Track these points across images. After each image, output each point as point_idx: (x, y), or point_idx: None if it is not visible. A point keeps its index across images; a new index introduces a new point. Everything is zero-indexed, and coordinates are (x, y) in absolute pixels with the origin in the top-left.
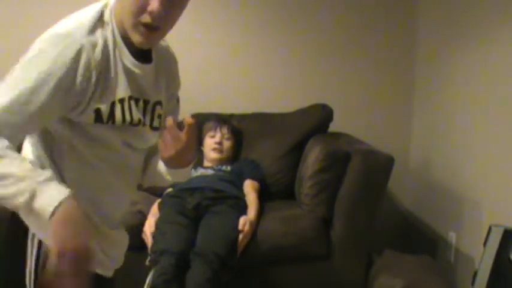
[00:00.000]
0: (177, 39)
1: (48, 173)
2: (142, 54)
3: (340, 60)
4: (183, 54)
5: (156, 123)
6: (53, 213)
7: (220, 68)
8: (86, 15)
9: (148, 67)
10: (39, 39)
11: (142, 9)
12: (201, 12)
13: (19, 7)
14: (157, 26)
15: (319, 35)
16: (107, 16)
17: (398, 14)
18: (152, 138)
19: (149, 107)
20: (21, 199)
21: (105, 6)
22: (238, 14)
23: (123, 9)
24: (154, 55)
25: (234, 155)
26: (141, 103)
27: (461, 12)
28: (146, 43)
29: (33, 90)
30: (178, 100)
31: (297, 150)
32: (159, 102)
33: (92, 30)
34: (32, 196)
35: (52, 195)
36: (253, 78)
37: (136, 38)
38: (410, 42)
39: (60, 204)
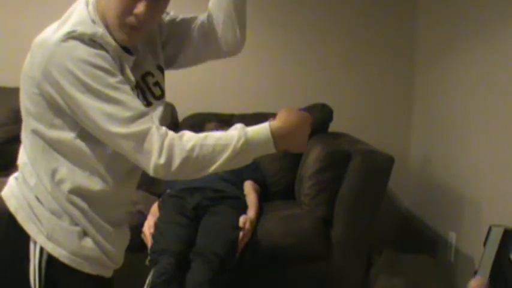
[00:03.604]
0: None
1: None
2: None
3: (340, 60)
4: None
5: (157, 92)
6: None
7: (220, 68)
8: (77, 13)
9: (131, 58)
10: (69, 60)
11: (128, 11)
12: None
13: (19, 8)
14: (142, 27)
15: (319, 35)
16: (90, 11)
17: (398, 14)
18: (159, 108)
19: (141, 83)
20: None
21: (87, 3)
22: None
23: (107, 7)
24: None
25: None
26: (132, 86)
27: (461, 12)
28: (129, 42)
29: (118, 94)
30: (168, 14)
31: None
32: (149, 73)
33: (93, 20)
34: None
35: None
36: (253, 78)
37: (119, 36)
38: (410, 42)
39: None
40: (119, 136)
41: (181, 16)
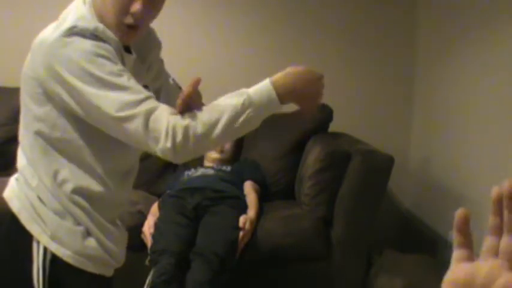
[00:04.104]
0: (178, 39)
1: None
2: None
3: (340, 60)
4: (184, 54)
5: None
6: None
7: (220, 69)
8: (76, 10)
9: (131, 57)
10: (71, 53)
11: (125, 10)
12: (202, 12)
13: (19, 8)
14: (139, 26)
15: (319, 35)
16: (88, 10)
17: (398, 14)
18: None
19: None
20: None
21: (84, 2)
22: (239, 14)
23: (103, 6)
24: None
25: (235, 156)
26: None
27: (461, 12)
28: (126, 41)
29: (122, 81)
30: (162, 61)
31: (297, 150)
32: (146, 87)
33: (93, 16)
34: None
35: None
36: (254, 78)
37: (117, 35)
38: (410, 42)
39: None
40: (125, 119)
41: (170, 80)
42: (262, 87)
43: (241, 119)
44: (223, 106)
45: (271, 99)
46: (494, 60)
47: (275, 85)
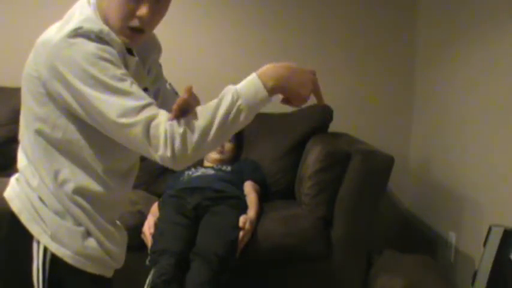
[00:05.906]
0: (178, 39)
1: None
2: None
3: (340, 60)
4: (183, 54)
5: None
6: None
7: (219, 69)
8: (81, 11)
9: (133, 59)
10: (75, 54)
11: (131, 13)
12: (201, 12)
13: (19, 8)
14: (145, 29)
15: (319, 35)
16: (92, 12)
17: (399, 14)
18: None
19: None
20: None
21: (89, 3)
22: (238, 13)
23: (108, 9)
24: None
25: (235, 156)
26: None
27: (461, 12)
28: (131, 44)
29: (125, 85)
30: (161, 65)
31: (297, 150)
32: (145, 89)
33: (98, 17)
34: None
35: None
36: None
37: (122, 39)
38: (410, 42)
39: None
40: (127, 126)
41: (167, 85)
42: (248, 79)
43: (232, 113)
44: (214, 105)
45: (258, 88)
46: (494, 60)
47: (259, 74)
